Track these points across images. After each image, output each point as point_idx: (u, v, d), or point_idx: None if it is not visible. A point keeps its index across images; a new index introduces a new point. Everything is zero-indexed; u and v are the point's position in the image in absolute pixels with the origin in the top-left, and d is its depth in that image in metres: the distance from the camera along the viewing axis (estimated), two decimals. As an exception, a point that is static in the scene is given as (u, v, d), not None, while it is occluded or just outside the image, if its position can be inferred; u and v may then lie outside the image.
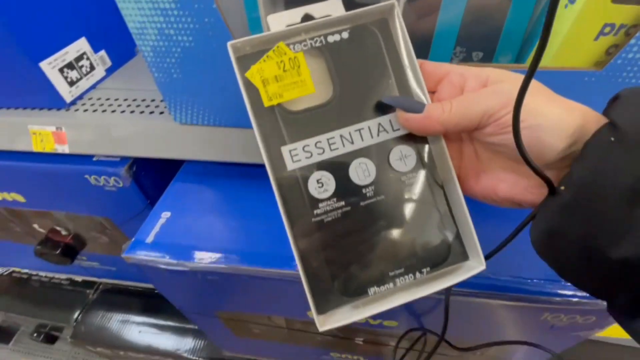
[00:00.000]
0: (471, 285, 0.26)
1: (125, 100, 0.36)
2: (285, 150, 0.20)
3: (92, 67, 0.38)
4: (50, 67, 0.33)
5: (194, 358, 0.59)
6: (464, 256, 0.21)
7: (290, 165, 0.20)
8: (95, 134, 0.34)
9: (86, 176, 0.37)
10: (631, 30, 0.21)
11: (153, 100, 0.35)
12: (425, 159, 0.21)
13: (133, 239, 0.29)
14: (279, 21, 0.21)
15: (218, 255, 0.27)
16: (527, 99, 0.16)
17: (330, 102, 0.20)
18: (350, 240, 0.20)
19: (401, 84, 0.21)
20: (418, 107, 0.20)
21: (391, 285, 0.20)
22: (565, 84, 0.23)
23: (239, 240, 0.28)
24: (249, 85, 0.20)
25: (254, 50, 0.20)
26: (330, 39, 0.20)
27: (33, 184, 0.41)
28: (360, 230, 0.20)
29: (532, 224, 0.18)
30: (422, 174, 0.21)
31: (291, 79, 0.20)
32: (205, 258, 0.27)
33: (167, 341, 0.62)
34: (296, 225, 0.20)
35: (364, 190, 0.20)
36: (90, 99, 0.37)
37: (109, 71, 0.40)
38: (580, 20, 0.20)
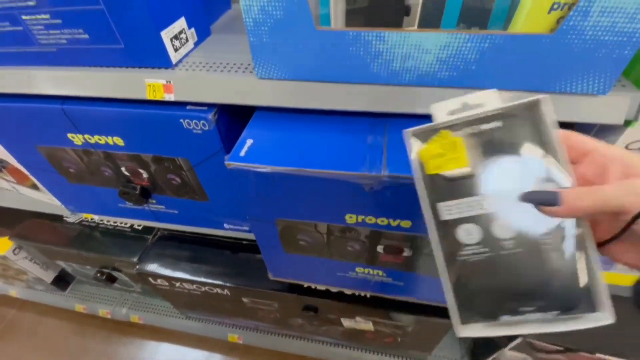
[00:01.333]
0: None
1: (214, 63, 0.48)
2: (441, 205, 0.26)
3: (187, 40, 0.51)
4: (166, 35, 0.46)
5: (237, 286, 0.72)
6: (592, 307, 0.23)
7: (444, 217, 0.26)
8: (193, 86, 0.47)
9: (181, 120, 0.50)
10: (571, 6, 0.32)
11: (231, 63, 0.48)
12: (563, 220, 0.24)
13: (231, 154, 0.42)
14: (442, 108, 0.28)
15: (288, 163, 0.40)
16: None
17: (480, 174, 0.26)
18: (489, 276, 0.25)
19: (547, 167, 0.25)
20: (553, 199, 0.22)
21: (521, 317, 0.25)
22: (530, 45, 0.35)
23: (303, 155, 0.41)
24: (418, 161, 0.28)
25: (425, 133, 0.27)
26: (485, 127, 0.26)
27: (135, 128, 0.54)
28: (498, 271, 0.25)
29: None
30: (559, 232, 0.24)
31: (450, 155, 0.26)
32: (278, 164, 0.40)
33: (214, 276, 0.75)
34: (448, 260, 0.26)
35: (504, 243, 0.25)
36: (187, 62, 0.49)
37: (195, 45, 0.53)
38: (537, 1, 0.32)
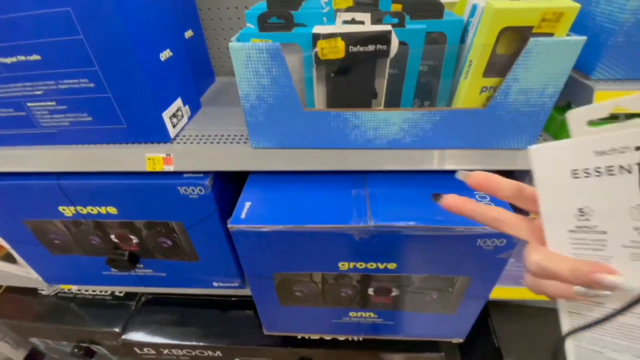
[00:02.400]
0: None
1: (209, 135, 0.55)
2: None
3: (182, 116, 0.57)
4: (166, 115, 0.52)
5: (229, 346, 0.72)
6: None
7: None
8: (191, 157, 0.52)
9: (178, 187, 0.54)
10: (496, 89, 0.43)
11: (225, 135, 0.54)
12: None
13: (232, 217, 0.46)
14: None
15: (285, 221, 0.45)
16: None
17: None
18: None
19: None
20: None
21: None
22: (469, 116, 0.45)
23: (298, 212, 0.47)
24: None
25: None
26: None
27: (131, 197, 0.57)
28: None
29: None
30: None
31: None
32: (277, 223, 0.45)
33: (204, 338, 0.74)
34: None
35: None
36: (184, 136, 0.55)
37: (189, 118, 0.59)
38: (470, 85, 0.43)
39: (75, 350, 0.80)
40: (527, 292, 0.70)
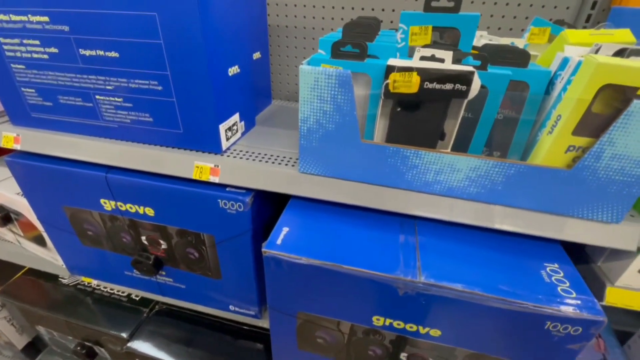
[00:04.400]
0: (496, 298, 0.39)
1: (259, 153, 0.53)
2: None
3: (237, 130, 0.57)
4: (223, 128, 0.51)
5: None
6: None
7: None
8: (238, 172, 0.51)
9: (219, 200, 0.53)
10: (585, 150, 0.38)
11: (275, 155, 0.53)
12: None
13: (267, 241, 0.43)
14: None
15: (324, 257, 0.41)
16: None
17: None
18: None
19: None
20: None
21: None
22: (550, 175, 0.40)
23: (338, 249, 0.42)
24: None
25: None
26: None
27: (171, 202, 0.56)
28: None
29: None
30: None
31: None
32: (314, 257, 0.41)
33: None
34: None
35: None
36: (234, 150, 0.54)
37: (242, 134, 0.59)
38: (556, 142, 0.38)
39: (78, 348, 0.78)
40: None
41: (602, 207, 0.40)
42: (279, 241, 0.43)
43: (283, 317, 0.49)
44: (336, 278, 0.41)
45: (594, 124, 0.37)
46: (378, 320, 0.43)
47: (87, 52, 0.49)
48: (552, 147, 0.39)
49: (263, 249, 0.42)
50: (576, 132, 0.37)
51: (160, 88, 0.49)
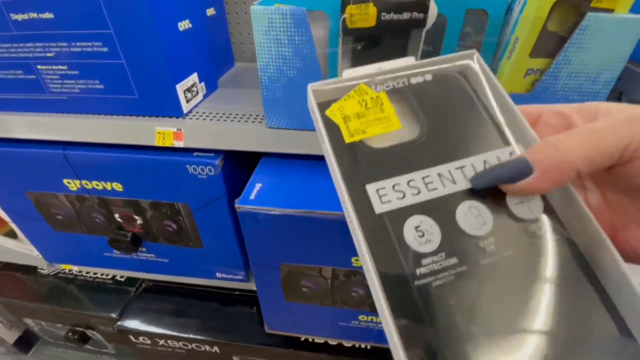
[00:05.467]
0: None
1: (223, 113, 0.51)
2: (371, 188, 0.17)
3: (197, 92, 0.54)
4: (180, 88, 0.49)
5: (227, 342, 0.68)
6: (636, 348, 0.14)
7: (379, 208, 0.16)
8: (203, 134, 0.49)
9: (187, 166, 0.51)
10: (543, 72, 0.38)
11: (240, 114, 0.51)
12: (555, 201, 0.17)
13: (240, 197, 0.43)
14: (354, 75, 0.21)
15: (297, 205, 0.41)
16: None
17: (419, 139, 0.18)
18: (471, 316, 0.14)
19: (496, 123, 0.19)
20: (524, 167, 0.16)
21: None
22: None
23: (311, 198, 0.43)
24: (329, 123, 0.19)
25: (334, 92, 0.20)
26: (413, 80, 0.20)
27: (138, 174, 0.54)
28: (485, 303, 0.15)
29: None
30: (556, 224, 0.16)
31: (374, 115, 0.19)
32: (288, 206, 0.41)
33: (202, 332, 0.70)
34: (392, 291, 0.14)
35: (481, 244, 0.16)
36: (197, 112, 0.52)
37: (204, 97, 0.57)
38: (514, 66, 0.38)
39: (70, 334, 0.77)
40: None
41: (562, 129, 0.42)
42: (252, 196, 0.43)
43: (266, 272, 0.49)
44: (311, 225, 0.42)
45: (551, 44, 0.37)
46: (357, 261, 0.45)
47: (20, 17, 0.44)
48: (511, 72, 0.39)
49: (236, 205, 0.42)
50: (533, 54, 0.37)
51: (105, 49, 0.45)
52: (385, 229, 0.16)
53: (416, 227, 0.16)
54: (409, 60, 0.20)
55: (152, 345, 0.71)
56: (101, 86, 0.49)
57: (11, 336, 0.93)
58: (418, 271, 0.15)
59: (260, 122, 0.49)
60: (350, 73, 0.20)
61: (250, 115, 0.51)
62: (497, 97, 0.20)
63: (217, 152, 0.51)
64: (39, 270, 0.83)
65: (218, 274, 0.68)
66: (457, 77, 0.20)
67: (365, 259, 0.15)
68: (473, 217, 0.16)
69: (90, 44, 0.45)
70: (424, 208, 0.16)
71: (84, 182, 0.57)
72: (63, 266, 0.78)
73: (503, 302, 0.15)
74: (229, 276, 0.68)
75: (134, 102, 0.49)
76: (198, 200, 0.56)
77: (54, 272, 0.82)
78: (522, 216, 0.17)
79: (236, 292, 0.76)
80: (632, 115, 0.15)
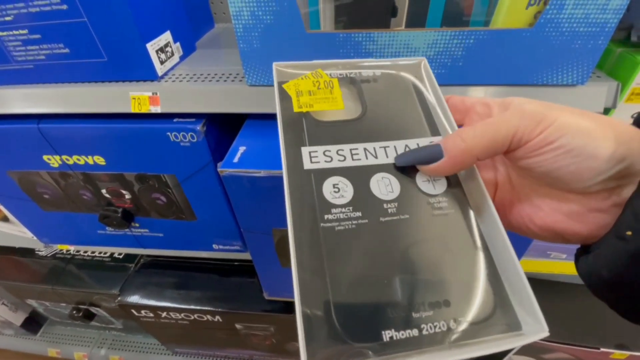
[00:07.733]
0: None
1: (201, 74, 0.48)
2: (304, 150, 0.20)
3: (172, 54, 0.50)
4: (152, 47, 0.45)
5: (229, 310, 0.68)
6: (512, 315, 0.16)
7: (307, 165, 0.20)
8: (181, 97, 0.46)
9: (168, 133, 0.48)
10: (547, 1, 0.34)
11: (219, 74, 0.47)
12: (458, 182, 0.21)
13: (224, 161, 0.40)
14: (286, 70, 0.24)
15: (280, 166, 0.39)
16: (553, 113, 0.16)
17: (357, 120, 0.22)
18: (363, 259, 0.17)
19: (429, 117, 0.23)
20: (436, 152, 0.19)
21: (415, 332, 0.15)
22: (512, 39, 0.36)
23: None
24: (284, 95, 0.23)
25: (295, 72, 0.24)
26: (364, 73, 0.24)
27: (118, 145, 0.51)
28: (376, 249, 0.17)
29: (585, 263, 0.17)
30: (454, 200, 0.20)
31: (323, 95, 0.23)
32: (274, 168, 0.39)
33: (203, 302, 0.70)
34: (302, 229, 0.17)
35: (385, 205, 0.19)
36: (173, 75, 0.49)
37: (181, 59, 0.53)
38: (515, -3, 0.34)
39: (74, 312, 0.78)
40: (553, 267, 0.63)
41: (568, 68, 0.38)
42: (235, 159, 0.41)
43: (259, 238, 0.48)
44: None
45: (556, -33, 0.33)
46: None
47: (-34, -24, 0.40)
48: (512, 4, 0.35)
49: (219, 169, 0.39)
50: (537, -21, 0.33)
51: (64, 7, 0.41)
52: (309, 182, 0.19)
53: (334, 185, 0.19)
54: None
55: (155, 318, 0.72)
56: (66, 50, 0.45)
57: (18, 318, 0.95)
58: (326, 216, 0.18)
59: (241, 80, 0.45)
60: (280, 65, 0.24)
61: (230, 74, 0.47)
62: (435, 96, 0.24)
63: (198, 116, 0.48)
64: (36, 252, 0.83)
65: (215, 246, 0.67)
66: (402, 76, 0.24)
67: (287, 206, 0.18)
68: (384, 185, 0.20)
69: (47, 1, 0.41)
70: (345, 172, 0.20)
71: (64, 157, 0.55)
72: (60, 247, 0.78)
73: (391, 250, 0.18)
74: (226, 247, 0.67)
75: (104, 65, 0.46)
76: (184, 170, 0.53)
77: (51, 253, 0.81)
78: (427, 191, 0.20)
79: (235, 263, 0.75)
80: (524, 109, 0.18)
